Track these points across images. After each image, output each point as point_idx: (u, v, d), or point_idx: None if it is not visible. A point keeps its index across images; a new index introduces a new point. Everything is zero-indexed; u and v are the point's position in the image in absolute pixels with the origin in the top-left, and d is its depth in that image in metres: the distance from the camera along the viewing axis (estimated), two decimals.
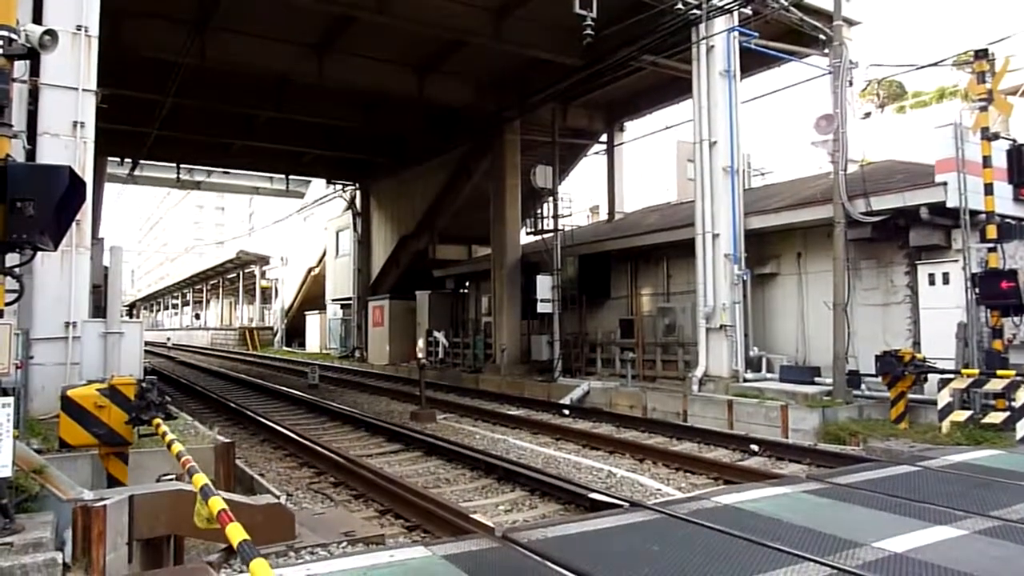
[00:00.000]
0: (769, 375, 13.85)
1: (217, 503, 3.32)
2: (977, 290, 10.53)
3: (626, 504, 6.43)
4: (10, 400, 4.29)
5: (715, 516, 5.50)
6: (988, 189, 10.53)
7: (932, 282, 11.96)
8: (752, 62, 15.59)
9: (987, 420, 9.49)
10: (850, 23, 15.13)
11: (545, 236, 20.32)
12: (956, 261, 11.60)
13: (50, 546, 4.08)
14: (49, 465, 5.21)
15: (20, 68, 6.26)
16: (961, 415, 9.71)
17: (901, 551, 4.64)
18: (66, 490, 4.69)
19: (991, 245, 10.48)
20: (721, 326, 13.72)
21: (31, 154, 8.01)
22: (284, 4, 15.40)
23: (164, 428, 5.35)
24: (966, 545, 4.83)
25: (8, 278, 4.56)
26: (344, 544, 5.62)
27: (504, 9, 16.35)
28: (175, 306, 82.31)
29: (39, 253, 5.01)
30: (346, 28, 17.16)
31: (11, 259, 4.65)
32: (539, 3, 15.68)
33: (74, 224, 7.31)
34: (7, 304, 4.56)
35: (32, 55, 4.85)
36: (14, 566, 3.81)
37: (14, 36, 4.63)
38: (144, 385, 5.57)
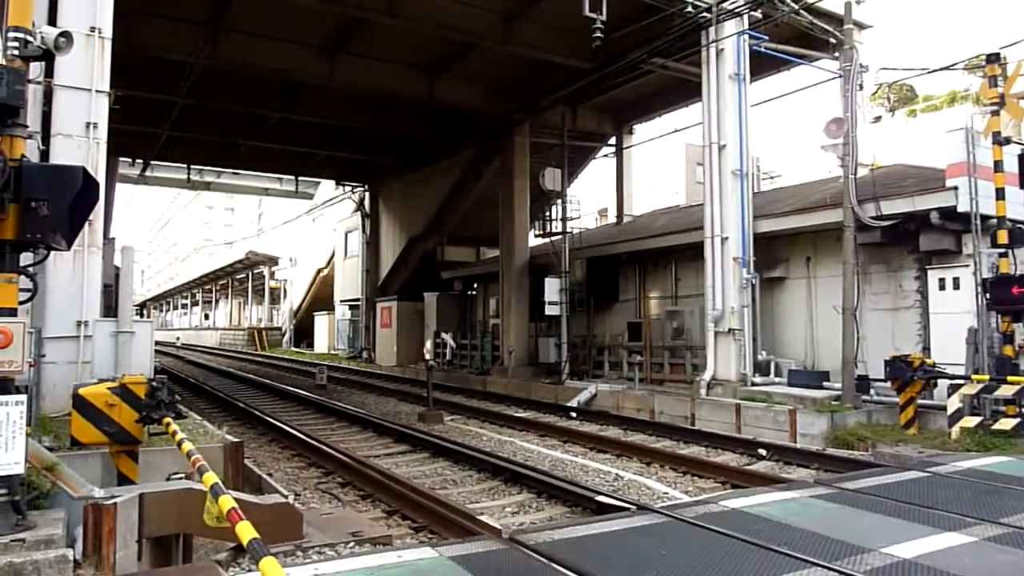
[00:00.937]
0: (777, 379, 13.81)
1: (227, 502, 3.34)
2: (988, 295, 10.47)
3: (633, 507, 6.43)
4: (23, 398, 4.33)
5: (722, 520, 5.49)
6: (999, 194, 10.48)
7: (942, 287, 11.90)
8: (762, 65, 15.56)
9: (997, 426, 9.43)
10: (860, 27, 15.07)
11: (553, 238, 20.33)
12: (967, 266, 11.53)
13: (61, 543, 4.12)
14: (61, 463, 5.25)
15: (35, 69, 6.33)
16: (971, 421, 9.66)
17: (910, 557, 4.62)
18: (77, 488, 4.73)
19: (1002, 250, 10.42)
20: (729, 330, 13.68)
21: (45, 154, 8.08)
22: (295, 6, 15.48)
23: (174, 427, 5.38)
24: (975, 552, 4.81)
25: (22, 277, 4.60)
26: (352, 544, 5.64)
27: (513, 12, 16.37)
28: (184, 306, 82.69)
29: (52, 253, 5.06)
30: (356, 30, 17.23)
31: (25, 258, 4.69)
32: (548, 6, 15.70)
33: (86, 224, 7.35)
34: (21, 303, 4.60)
35: (47, 57, 4.90)
36: (26, 562, 3.84)
37: (30, 38, 4.69)
38: (154, 384, 5.62)
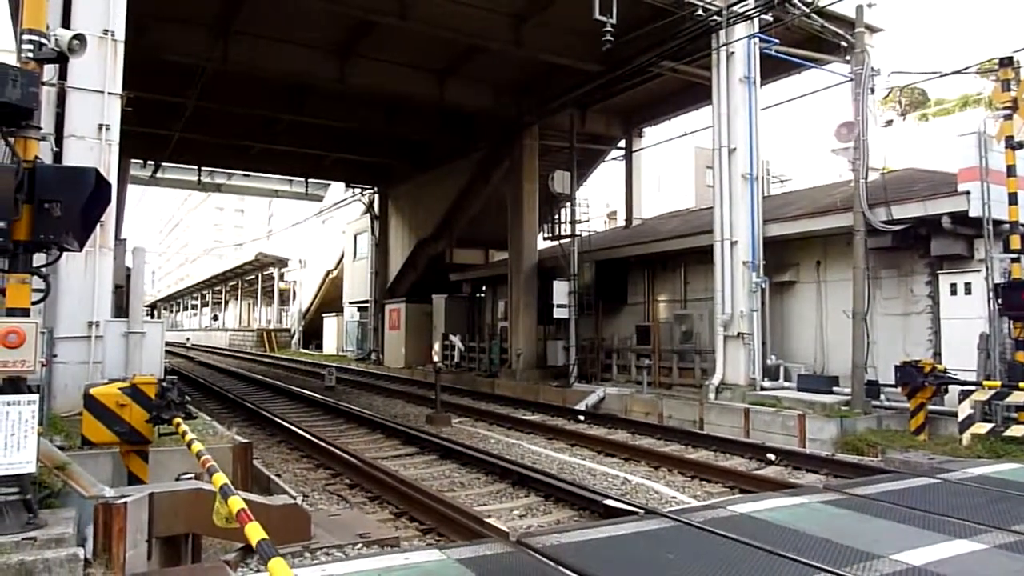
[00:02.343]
0: (787, 384, 13.75)
1: (236, 503, 3.36)
2: (1000, 301, 10.40)
3: (641, 511, 6.42)
4: (35, 397, 4.37)
5: (731, 525, 5.47)
6: (1012, 199, 10.41)
7: (954, 292, 11.82)
8: (772, 68, 15.51)
9: (1009, 433, 9.35)
10: (872, 30, 15.00)
11: (562, 241, 20.33)
12: (978, 271, 11.45)
13: (72, 542, 4.14)
14: (72, 462, 5.29)
15: (49, 71, 6.38)
16: (982, 427, 9.58)
17: (919, 564, 4.59)
18: (88, 487, 4.76)
19: (1015, 255, 10.35)
20: (739, 334, 13.64)
21: (58, 156, 8.15)
22: (305, 9, 15.56)
23: (184, 427, 5.40)
24: (986, 559, 4.78)
25: (35, 277, 4.64)
26: (359, 546, 5.64)
27: (523, 15, 16.40)
28: (194, 307, 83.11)
29: (64, 253, 5.10)
30: (367, 32, 17.30)
31: (38, 259, 4.73)
32: (558, 9, 15.72)
33: (98, 225, 7.40)
34: (34, 303, 4.64)
35: (61, 59, 4.94)
36: (37, 560, 3.87)
37: (44, 41, 4.73)
38: (165, 384, 5.64)
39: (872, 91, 12.96)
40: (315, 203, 40.59)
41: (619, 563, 4.68)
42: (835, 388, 12.76)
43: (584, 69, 17.49)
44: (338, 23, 16.97)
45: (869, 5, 13.42)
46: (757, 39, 14.08)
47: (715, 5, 13.88)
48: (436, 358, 15.39)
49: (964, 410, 9.73)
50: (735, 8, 13.82)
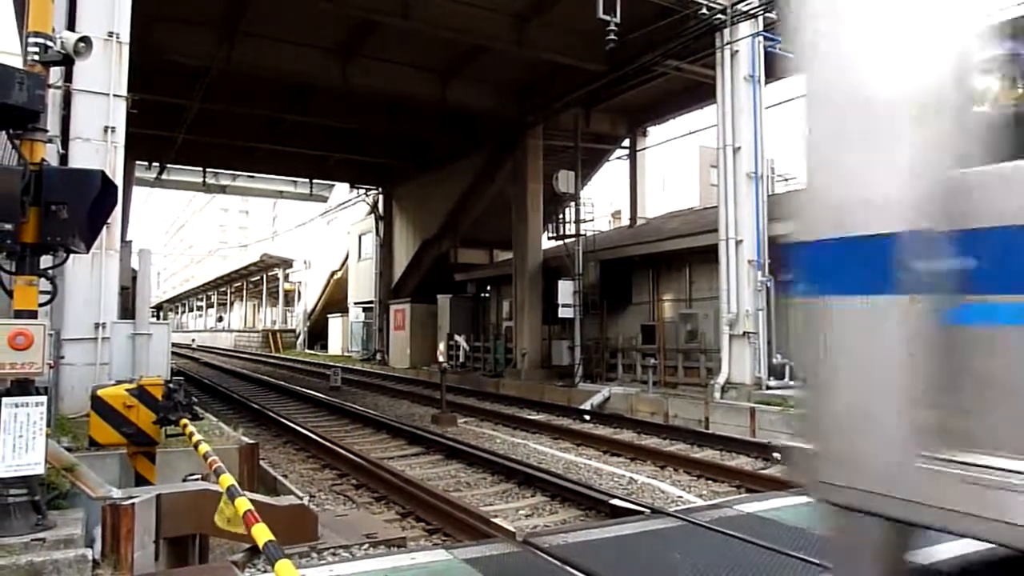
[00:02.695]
0: (793, 383, 13.71)
1: (243, 504, 3.36)
2: None
3: (647, 511, 6.41)
4: (43, 399, 4.38)
5: (737, 524, 5.45)
6: None
7: None
8: (777, 67, 15.45)
9: None
10: None
11: (567, 241, 20.32)
12: None
13: (80, 543, 4.16)
14: (79, 463, 5.30)
15: (55, 74, 6.40)
16: None
17: (927, 563, 4.57)
18: (96, 488, 4.78)
19: None
20: (744, 333, 13.61)
21: (64, 158, 8.18)
22: (308, 9, 15.59)
23: (191, 428, 5.42)
24: (994, 558, 4.75)
25: (42, 280, 4.65)
26: (366, 546, 5.66)
27: (527, 15, 16.41)
28: (199, 308, 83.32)
29: (71, 255, 5.11)
30: (370, 33, 17.34)
31: (45, 261, 4.74)
32: (562, 9, 15.72)
33: (104, 227, 7.42)
34: (41, 305, 4.65)
35: (67, 61, 4.96)
36: (46, 561, 3.89)
37: (50, 43, 4.74)
38: (171, 386, 5.66)
39: None
40: (320, 204, 40.67)
41: (626, 563, 4.67)
42: None
43: (588, 69, 17.48)
44: (340, 23, 17.00)
45: None
46: (762, 37, 14.05)
47: (719, 3, 13.87)
48: (441, 358, 15.39)
49: None
50: (739, 7, 13.80)
